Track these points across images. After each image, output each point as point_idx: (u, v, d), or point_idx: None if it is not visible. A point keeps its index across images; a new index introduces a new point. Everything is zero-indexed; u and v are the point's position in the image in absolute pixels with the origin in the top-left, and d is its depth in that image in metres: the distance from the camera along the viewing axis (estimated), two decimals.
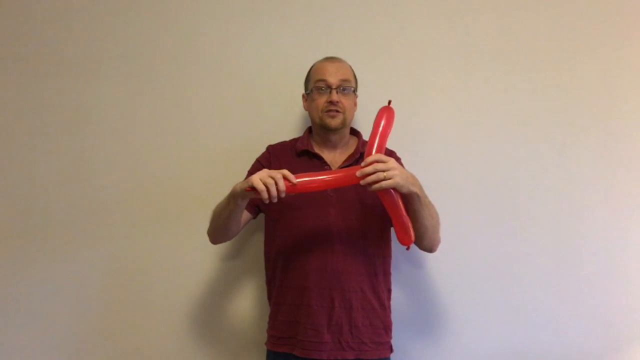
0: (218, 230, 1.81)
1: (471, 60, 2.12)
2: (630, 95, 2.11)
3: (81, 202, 2.13)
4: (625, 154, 2.09)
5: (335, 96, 1.78)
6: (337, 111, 1.79)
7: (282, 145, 1.92)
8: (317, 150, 1.85)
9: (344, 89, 1.80)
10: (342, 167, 1.82)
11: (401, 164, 1.90)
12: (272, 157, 1.88)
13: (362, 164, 1.58)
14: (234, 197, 1.65)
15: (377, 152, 1.61)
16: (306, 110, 1.88)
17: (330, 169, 1.82)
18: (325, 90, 1.79)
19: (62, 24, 2.18)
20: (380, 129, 1.62)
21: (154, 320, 2.10)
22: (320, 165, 1.83)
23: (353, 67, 1.88)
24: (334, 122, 1.80)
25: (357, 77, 1.88)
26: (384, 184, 1.55)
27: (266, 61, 2.13)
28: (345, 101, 1.80)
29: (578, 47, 2.12)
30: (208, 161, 2.11)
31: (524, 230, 2.07)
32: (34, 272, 2.12)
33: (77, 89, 2.16)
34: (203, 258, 2.09)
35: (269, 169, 1.80)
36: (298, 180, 1.56)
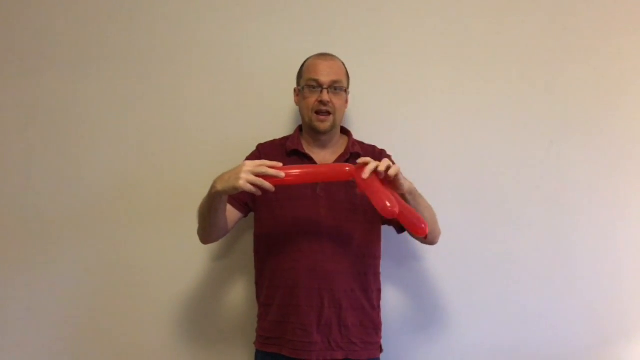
0: (207, 230, 1.77)
1: (461, 60, 2.12)
2: (617, 94, 2.13)
3: (72, 200, 2.11)
4: (612, 152, 2.11)
5: (326, 96, 1.76)
6: (328, 112, 1.78)
7: (272, 144, 1.91)
8: (307, 150, 1.84)
9: (335, 89, 1.78)
10: None
11: (391, 160, 1.90)
12: (263, 156, 1.85)
13: (359, 160, 1.58)
14: (218, 195, 1.61)
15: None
16: (297, 105, 1.87)
17: None
18: (316, 88, 1.78)
19: (56, 20, 2.14)
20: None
21: (143, 319, 2.09)
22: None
23: (347, 66, 1.86)
24: (323, 126, 1.80)
25: (350, 74, 1.86)
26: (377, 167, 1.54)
27: (258, 60, 2.11)
28: (336, 101, 1.79)
29: (567, 48, 2.13)
30: (199, 160, 2.10)
31: (513, 228, 2.09)
32: (25, 271, 2.10)
33: (68, 86, 2.13)
34: (193, 257, 2.08)
35: None
36: (286, 171, 1.55)
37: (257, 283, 1.88)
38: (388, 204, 1.49)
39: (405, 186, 1.62)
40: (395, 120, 2.11)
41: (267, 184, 1.54)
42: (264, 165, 1.55)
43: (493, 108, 2.12)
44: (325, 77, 1.77)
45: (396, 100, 2.11)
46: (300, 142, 1.85)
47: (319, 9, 2.12)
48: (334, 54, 1.86)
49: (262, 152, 1.88)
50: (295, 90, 1.87)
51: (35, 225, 2.10)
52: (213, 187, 1.61)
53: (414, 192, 1.67)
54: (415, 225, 1.55)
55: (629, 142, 2.12)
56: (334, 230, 1.76)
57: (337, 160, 1.83)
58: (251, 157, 1.88)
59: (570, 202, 2.10)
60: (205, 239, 1.83)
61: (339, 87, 1.79)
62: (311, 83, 1.78)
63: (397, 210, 1.50)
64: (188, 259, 2.08)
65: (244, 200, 1.82)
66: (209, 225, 1.75)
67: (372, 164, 1.55)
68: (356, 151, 1.85)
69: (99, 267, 2.10)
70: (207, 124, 2.11)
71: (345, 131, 1.91)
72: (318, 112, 1.78)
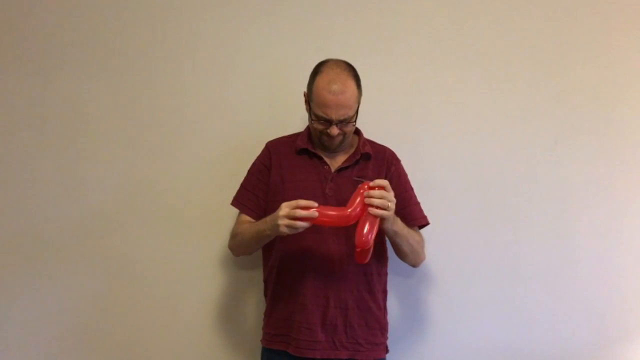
0: (247, 252, 1.90)
1: (465, 60, 2.12)
2: (622, 94, 2.13)
3: (79, 203, 2.09)
4: (617, 152, 2.11)
5: (335, 130, 1.73)
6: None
7: (281, 142, 1.89)
8: (316, 149, 1.83)
9: (344, 121, 1.74)
10: (341, 167, 1.81)
11: (400, 166, 1.90)
12: (273, 155, 1.85)
13: (372, 184, 1.63)
14: (268, 237, 1.72)
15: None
16: (306, 111, 1.84)
17: (329, 168, 1.81)
18: (325, 122, 1.74)
19: (60, 22, 2.11)
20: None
21: (150, 318, 2.08)
22: (320, 164, 1.81)
23: (353, 66, 1.80)
24: (332, 147, 1.80)
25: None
26: (383, 212, 1.61)
27: (266, 59, 2.09)
28: (345, 128, 1.75)
29: (571, 48, 2.12)
30: (207, 161, 2.09)
31: (516, 228, 2.09)
32: (29, 275, 2.09)
33: (73, 88, 2.10)
34: (200, 257, 2.07)
35: (270, 167, 1.84)
36: (320, 211, 1.61)
37: (265, 280, 1.89)
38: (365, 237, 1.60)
39: (390, 230, 1.70)
40: (399, 120, 2.11)
41: (300, 224, 1.60)
42: (297, 208, 1.60)
43: (497, 108, 2.12)
44: (334, 115, 1.70)
45: (401, 100, 2.11)
46: (309, 142, 1.83)
47: (326, 9, 2.10)
48: (341, 54, 1.79)
49: (272, 150, 1.86)
50: (304, 94, 1.81)
51: (39, 228, 2.09)
52: (264, 231, 1.70)
53: (396, 234, 1.73)
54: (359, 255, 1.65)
55: (633, 142, 2.12)
56: (341, 230, 1.75)
57: (347, 161, 1.82)
58: (262, 157, 1.87)
59: (574, 202, 2.10)
60: (239, 255, 1.94)
61: (348, 120, 1.74)
62: (321, 119, 1.73)
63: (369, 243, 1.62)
64: (195, 258, 2.07)
65: (261, 205, 1.84)
66: (250, 251, 1.88)
67: (379, 202, 1.61)
68: (366, 151, 1.83)
69: (104, 268, 2.09)
70: (215, 126, 2.10)
71: (355, 130, 1.88)
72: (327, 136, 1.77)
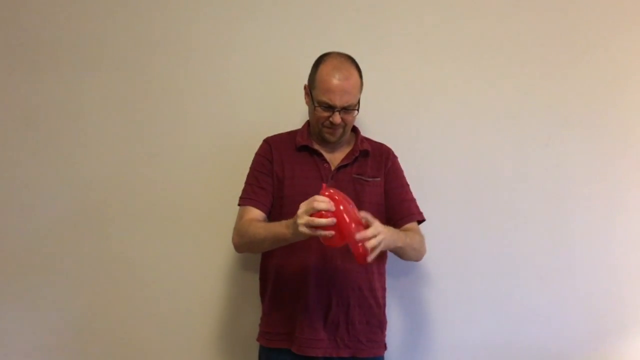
0: (253, 251, 1.83)
1: (459, 57, 2.13)
2: (615, 90, 2.15)
3: (76, 202, 2.08)
4: (611, 147, 2.13)
5: (338, 118, 1.73)
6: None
7: (280, 138, 1.88)
8: (316, 146, 1.82)
9: (347, 109, 1.74)
10: (341, 165, 1.81)
11: (397, 162, 1.90)
12: (274, 149, 1.83)
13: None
14: (287, 241, 1.64)
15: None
16: (306, 104, 1.83)
17: (329, 166, 1.81)
18: (329, 109, 1.74)
19: (56, 19, 2.10)
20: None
21: (144, 318, 2.08)
22: (320, 162, 1.81)
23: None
24: (333, 138, 1.79)
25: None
26: (378, 248, 1.53)
27: (263, 58, 2.09)
28: (347, 118, 1.76)
29: (565, 44, 2.14)
30: (203, 159, 2.08)
31: (512, 225, 2.11)
32: (30, 273, 2.08)
33: (70, 86, 2.10)
34: (199, 254, 2.06)
35: (271, 161, 1.82)
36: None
37: (261, 279, 1.87)
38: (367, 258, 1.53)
39: (394, 248, 1.67)
40: (394, 117, 2.11)
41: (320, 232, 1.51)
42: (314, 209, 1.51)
43: (492, 105, 2.13)
44: (338, 101, 1.72)
45: (395, 97, 2.11)
46: (309, 138, 1.83)
47: (324, 6, 2.11)
48: (341, 50, 1.80)
49: (272, 145, 1.85)
50: (305, 87, 1.82)
51: (36, 228, 2.08)
52: (285, 236, 1.61)
53: (399, 249, 1.72)
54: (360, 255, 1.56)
55: (627, 137, 2.14)
56: None
57: (346, 158, 1.82)
58: (263, 152, 1.85)
59: (569, 197, 2.12)
60: (243, 251, 1.83)
61: (351, 107, 1.75)
62: (324, 105, 1.74)
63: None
64: (192, 257, 2.07)
65: (271, 204, 1.81)
66: (261, 250, 1.82)
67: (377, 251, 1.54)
68: (365, 148, 1.84)
69: (101, 267, 2.08)
70: (212, 122, 2.10)
71: (353, 128, 1.88)
72: (328, 127, 1.77)
